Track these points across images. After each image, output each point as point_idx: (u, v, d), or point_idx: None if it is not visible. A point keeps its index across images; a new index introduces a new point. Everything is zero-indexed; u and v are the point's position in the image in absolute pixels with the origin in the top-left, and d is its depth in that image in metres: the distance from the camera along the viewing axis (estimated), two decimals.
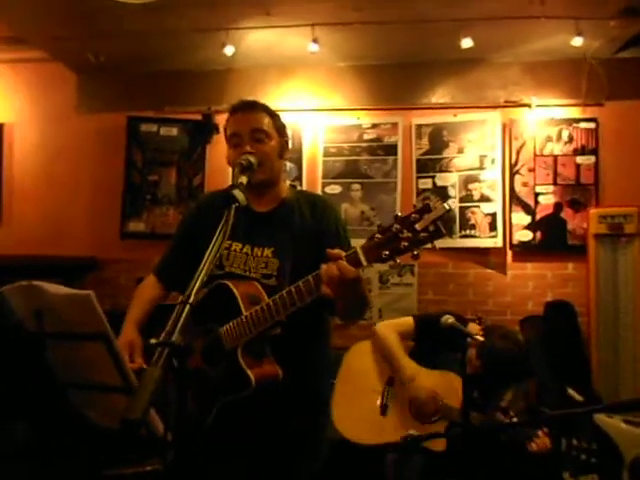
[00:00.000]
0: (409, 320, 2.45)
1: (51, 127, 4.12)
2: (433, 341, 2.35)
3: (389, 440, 2.22)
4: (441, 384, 2.26)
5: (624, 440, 2.78)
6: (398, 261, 1.19)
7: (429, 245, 1.15)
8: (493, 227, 3.66)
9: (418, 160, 3.78)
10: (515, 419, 2.18)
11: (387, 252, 1.17)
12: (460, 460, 2.07)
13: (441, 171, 3.74)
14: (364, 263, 1.22)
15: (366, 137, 3.83)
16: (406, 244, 1.15)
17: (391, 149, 3.81)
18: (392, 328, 2.41)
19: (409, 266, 3.75)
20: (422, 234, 1.13)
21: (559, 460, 1.80)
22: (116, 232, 3.96)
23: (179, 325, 0.93)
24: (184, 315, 0.95)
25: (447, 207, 1.14)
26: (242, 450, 1.55)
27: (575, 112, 3.67)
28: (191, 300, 0.98)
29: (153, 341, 0.90)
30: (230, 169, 1.58)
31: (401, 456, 2.26)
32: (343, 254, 1.25)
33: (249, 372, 1.39)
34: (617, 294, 3.37)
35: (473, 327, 2.29)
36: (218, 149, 3.75)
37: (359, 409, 2.31)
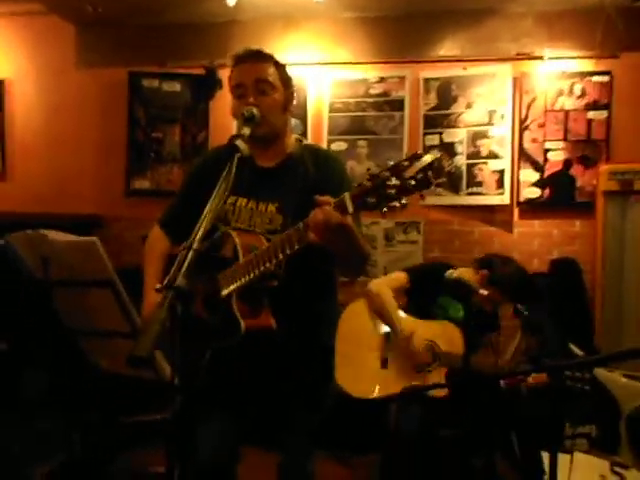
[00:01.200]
0: (402, 275, 2.47)
1: (51, 82, 4.05)
2: (428, 291, 2.40)
3: (393, 391, 2.28)
4: (439, 333, 2.32)
5: (623, 393, 2.84)
6: (385, 210, 1.16)
7: (417, 193, 1.14)
8: (500, 184, 3.61)
9: (425, 116, 3.71)
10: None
11: (374, 199, 1.15)
12: (461, 407, 2.14)
13: (449, 127, 3.67)
14: (350, 209, 1.20)
15: (372, 92, 3.74)
16: (393, 191, 1.13)
17: (398, 104, 3.73)
18: (385, 285, 2.43)
19: (415, 223, 3.73)
20: (410, 182, 1.12)
21: (560, 410, 1.85)
22: (121, 190, 3.96)
23: (183, 270, 0.93)
24: (187, 260, 0.95)
25: (436, 155, 1.12)
26: (244, 398, 1.58)
27: (588, 65, 3.56)
28: (195, 246, 0.98)
29: (158, 286, 0.91)
30: (235, 123, 1.55)
31: (402, 406, 2.31)
32: (331, 200, 1.24)
33: (240, 318, 1.40)
34: (623, 252, 3.36)
35: (467, 272, 2.36)
36: (222, 104, 3.68)
37: (360, 366, 2.36)
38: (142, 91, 3.92)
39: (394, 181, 1.12)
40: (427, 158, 1.11)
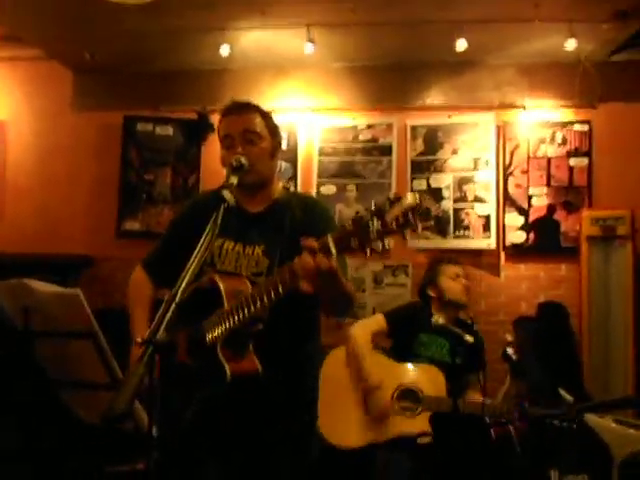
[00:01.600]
0: (380, 318, 2.49)
1: (47, 125, 4.13)
2: (408, 331, 2.42)
3: (376, 439, 2.25)
4: (422, 376, 2.31)
5: (614, 440, 2.80)
6: (369, 254, 1.17)
7: (399, 235, 1.15)
8: (487, 228, 3.68)
9: (413, 161, 3.80)
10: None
11: (356, 242, 1.16)
12: (448, 453, 2.10)
13: (435, 172, 3.76)
14: (333, 252, 1.21)
15: (361, 138, 3.85)
16: (375, 234, 1.14)
17: (386, 150, 3.83)
18: (364, 329, 2.43)
19: (403, 266, 3.77)
20: (392, 224, 1.13)
21: (546, 458, 1.83)
22: (112, 231, 3.98)
23: (164, 323, 0.93)
24: (169, 313, 0.96)
25: (417, 197, 1.13)
26: (230, 446, 1.56)
27: (568, 114, 3.69)
28: (177, 299, 0.99)
29: (139, 340, 0.92)
30: (225, 170, 1.59)
31: (390, 455, 2.27)
32: (315, 243, 1.24)
33: (226, 365, 1.39)
34: (609, 296, 3.39)
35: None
36: (213, 149, 3.75)
37: (342, 413, 2.32)
38: (136, 134, 4.00)
39: (376, 224, 1.14)
40: (409, 200, 1.13)
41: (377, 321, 2.49)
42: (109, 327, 1.51)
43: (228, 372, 1.38)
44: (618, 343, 3.34)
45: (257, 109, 1.63)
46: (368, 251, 1.17)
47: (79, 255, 3.90)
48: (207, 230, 1.20)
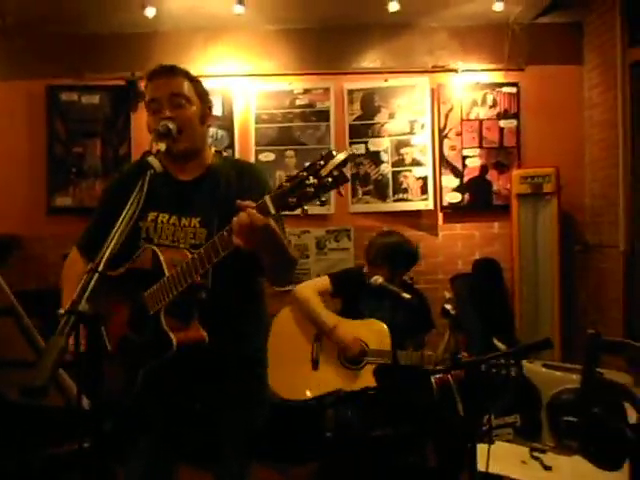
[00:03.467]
0: (324, 278, 2.57)
1: None
2: (353, 294, 2.49)
3: (324, 391, 2.34)
4: (365, 331, 2.40)
5: (543, 382, 3.03)
6: (306, 208, 1.21)
7: (334, 190, 1.19)
8: (424, 190, 3.78)
9: (351, 125, 3.81)
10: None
11: (294, 199, 1.19)
12: (391, 404, 2.21)
13: (373, 136, 3.80)
14: (272, 211, 1.23)
15: (298, 103, 3.81)
16: (312, 190, 1.17)
17: (323, 115, 3.81)
18: (310, 288, 2.52)
19: (345, 231, 3.82)
20: (327, 179, 1.17)
21: (481, 402, 1.96)
22: (42, 208, 3.78)
23: (86, 293, 0.91)
24: (92, 283, 0.94)
25: (349, 152, 1.19)
26: (178, 415, 1.56)
27: (498, 77, 3.80)
28: (100, 268, 0.97)
29: (60, 311, 0.90)
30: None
31: (337, 411, 2.37)
32: (253, 204, 1.26)
33: (170, 334, 1.38)
34: (537, 249, 3.61)
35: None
36: (143, 117, 3.58)
37: (292, 369, 2.41)
38: (61, 104, 3.77)
39: (312, 180, 1.17)
40: (341, 156, 1.17)
41: (322, 280, 2.57)
42: (43, 307, 1.46)
43: (174, 341, 1.37)
44: (546, 294, 3.57)
45: (185, 73, 1.57)
46: (306, 208, 1.20)
47: (8, 235, 3.69)
48: (132, 198, 1.17)
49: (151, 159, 1.27)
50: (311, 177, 1.17)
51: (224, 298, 1.49)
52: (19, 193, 3.81)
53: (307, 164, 1.19)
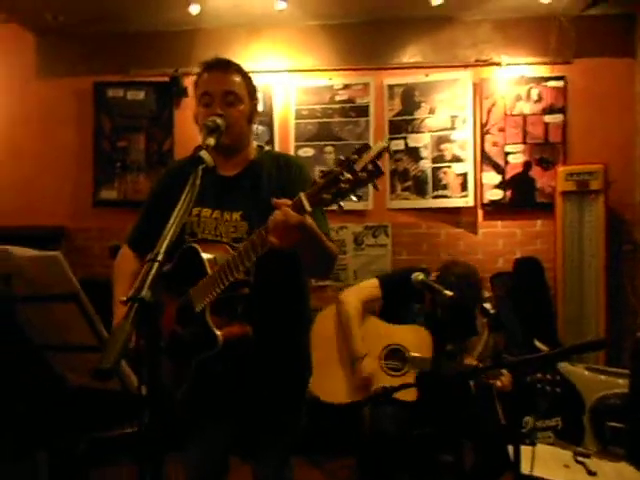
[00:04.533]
0: (374, 283, 2.48)
1: (13, 95, 3.97)
2: (400, 297, 2.43)
3: (361, 397, 2.32)
4: (410, 337, 2.36)
5: (586, 386, 2.95)
6: (343, 204, 1.19)
7: (370, 184, 1.16)
8: (464, 187, 3.71)
9: (390, 121, 3.78)
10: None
11: (329, 195, 1.18)
12: (431, 408, 2.18)
13: (413, 132, 3.75)
14: (308, 208, 1.22)
15: (338, 98, 3.80)
16: (347, 186, 1.15)
17: (363, 110, 3.79)
18: (356, 297, 2.44)
19: (383, 227, 3.80)
20: (362, 174, 1.14)
21: (521, 406, 1.92)
22: (88, 200, 3.90)
23: (147, 281, 0.93)
24: (152, 272, 0.95)
25: (384, 145, 1.14)
26: (227, 408, 1.59)
27: (544, 70, 3.69)
28: (159, 258, 0.99)
29: (122, 298, 0.92)
30: (199, 133, 1.55)
31: (375, 408, 2.35)
32: (288, 202, 1.25)
33: (215, 330, 1.40)
34: (582, 249, 3.49)
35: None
36: (187, 113, 3.67)
37: (332, 371, 2.39)
38: (107, 100, 3.88)
39: (346, 175, 1.15)
40: (375, 149, 1.14)
41: (371, 285, 2.48)
42: (88, 298, 1.50)
43: (220, 338, 1.39)
44: (590, 294, 3.46)
45: (239, 69, 1.59)
46: (342, 203, 1.18)
47: (56, 227, 3.83)
48: (185, 192, 1.18)
49: (204, 153, 1.27)
50: (345, 172, 1.15)
51: (267, 295, 1.50)
52: (66, 186, 3.95)
53: (341, 158, 1.17)
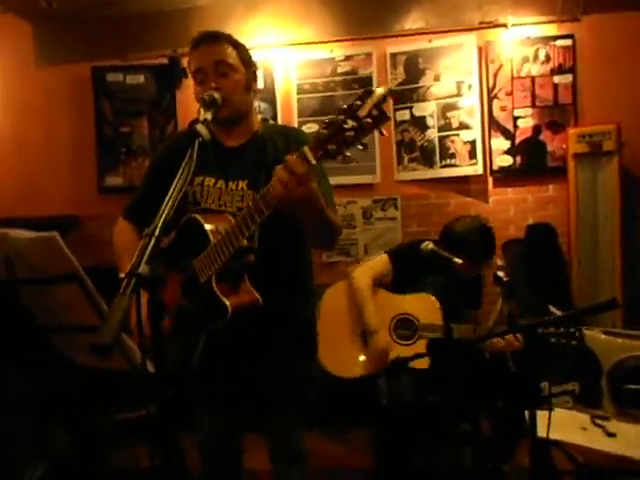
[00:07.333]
0: (384, 258, 2.45)
1: (12, 85, 3.95)
2: (411, 269, 2.40)
3: (374, 369, 2.32)
4: (419, 305, 2.34)
5: (603, 350, 2.92)
6: (348, 154, 1.14)
7: (376, 130, 1.11)
8: (473, 154, 3.64)
9: (395, 91, 3.70)
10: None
11: (334, 146, 1.13)
12: (444, 376, 2.17)
13: (418, 101, 3.68)
14: (312, 160, 1.17)
15: (340, 70, 3.72)
16: (352, 134, 1.10)
17: (366, 82, 3.71)
18: (366, 274, 2.40)
19: (392, 200, 3.75)
20: (366, 120, 1.08)
21: (537, 370, 1.89)
22: (94, 188, 3.91)
23: (145, 256, 0.92)
24: (149, 247, 0.94)
25: (388, 88, 1.09)
26: (236, 382, 1.60)
27: (551, 29, 3.57)
28: (156, 232, 0.98)
29: (121, 275, 0.91)
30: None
31: (391, 379, 2.35)
32: (294, 156, 1.21)
33: (224, 299, 1.39)
34: (597, 212, 3.42)
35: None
36: (188, 93, 3.63)
37: (343, 344, 2.38)
38: (107, 85, 3.85)
39: (350, 123, 1.09)
40: (378, 92, 1.09)
41: (381, 261, 2.44)
42: (100, 285, 1.50)
43: (229, 307, 1.38)
44: (606, 258, 3.39)
45: (228, 38, 1.55)
46: (348, 154, 1.13)
47: (63, 216, 3.84)
48: (183, 165, 1.17)
49: (199, 127, 1.26)
50: (349, 120, 1.09)
51: (272, 259, 1.49)
52: (70, 175, 3.95)
53: (344, 106, 1.11)
